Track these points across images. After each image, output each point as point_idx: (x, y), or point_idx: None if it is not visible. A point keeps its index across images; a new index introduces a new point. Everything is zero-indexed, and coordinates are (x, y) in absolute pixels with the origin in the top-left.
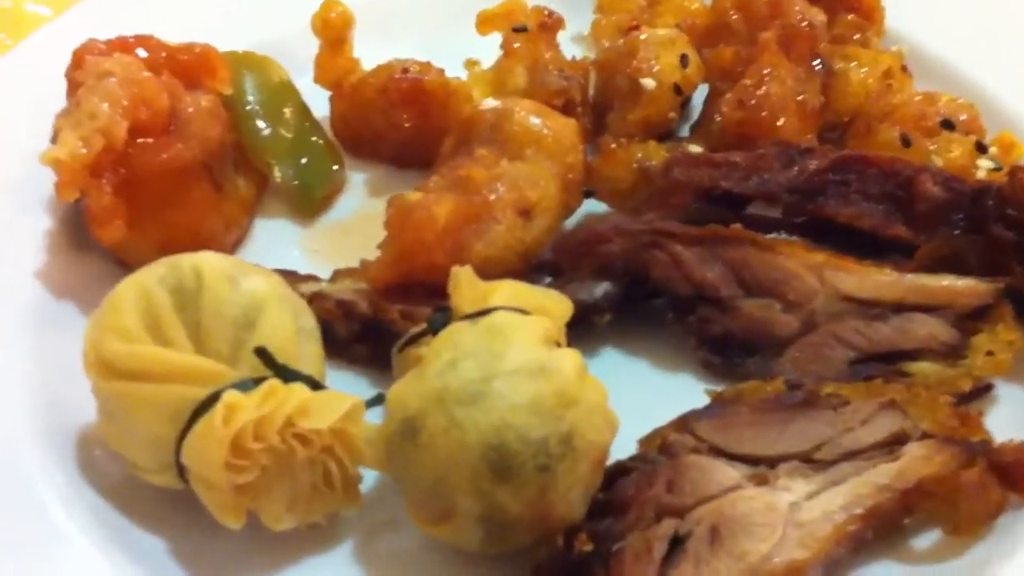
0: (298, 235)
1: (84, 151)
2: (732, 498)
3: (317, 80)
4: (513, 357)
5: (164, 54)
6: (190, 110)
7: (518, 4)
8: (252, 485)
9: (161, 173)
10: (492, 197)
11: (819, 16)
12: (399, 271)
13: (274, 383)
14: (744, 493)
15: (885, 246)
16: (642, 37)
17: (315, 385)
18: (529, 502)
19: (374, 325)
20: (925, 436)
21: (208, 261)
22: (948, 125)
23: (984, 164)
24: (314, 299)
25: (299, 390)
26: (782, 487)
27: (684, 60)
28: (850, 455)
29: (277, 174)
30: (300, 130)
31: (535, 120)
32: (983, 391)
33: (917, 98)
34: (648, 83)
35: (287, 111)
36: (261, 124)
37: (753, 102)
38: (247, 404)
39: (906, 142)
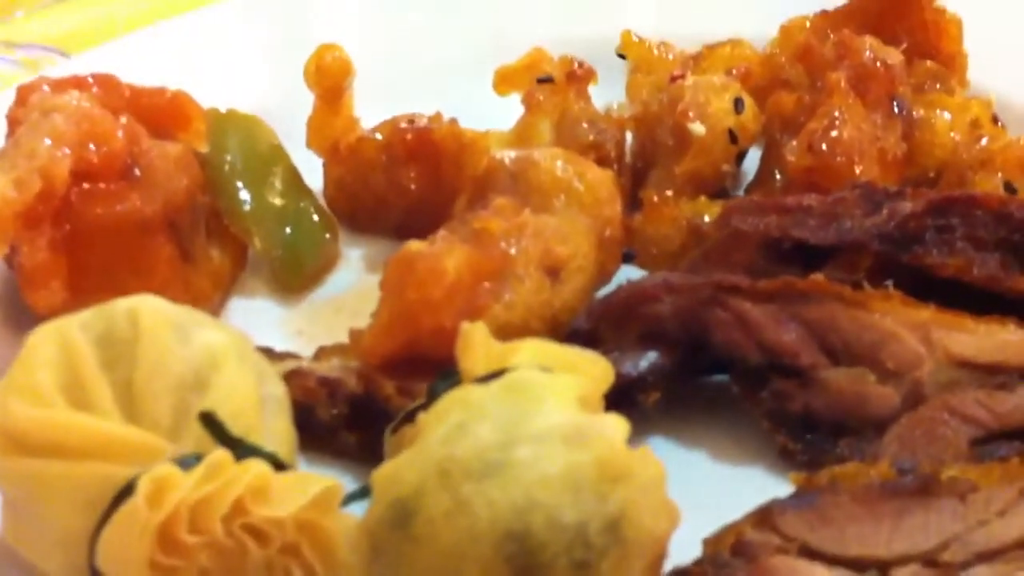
0: (280, 315)
1: (16, 195)
2: None
3: (311, 144)
4: (543, 419)
5: (127, 95)
6: (153, 157)
7: (542, 55)
8: None
9: (113, 228)
10: (513, 251)
11: (895, 56)
12: (398, 339)
13: (221, 456)
14: None
15: (1003, 303)
16: (688, 83)
17: (279, 466)
18: None
19: (364, 406)
20: None
21: (149, 305)
22: None
23: None
24: (291, 378)
25: (255, 467)
26: None
27: (739, 104)
28: (987, 556)
29: (257, 243)
30: (288, 197)
31: (564, 167)
32: None
33: (1021, 141)
34: (698, 128)
35: (274, 177)
36: (242, 188)
37: (825, 147)
38: (181, 481)
39: (1011, 190)
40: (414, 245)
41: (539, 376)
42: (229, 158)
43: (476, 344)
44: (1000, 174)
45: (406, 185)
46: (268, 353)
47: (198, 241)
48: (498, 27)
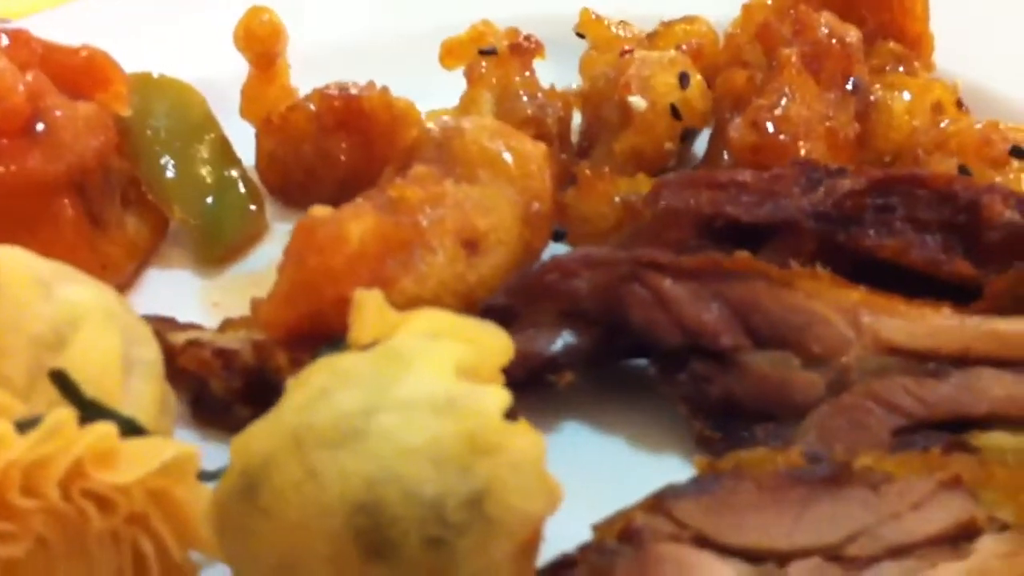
0: (198, 287)
1: None
2: None
3: (244, 113)
4: (411, 386)
5: (40, 51)
6: (60, 116)
7: (488, 27)
8: (22, 568)
9: (11, 187)
10: (426, 222)
11: (853, 33)
12: (298, 309)
13: (62, 416)
14: None
15: (942, 289)
16: (636, 56)
17: (136, 432)
18: None
19: (258, 379)
20: (1004, 528)
21: (9, 257)
22: (1019, 153)
23: None
24: (187, 349)
25: (99, 429)
26: None
27: (684, 80)
28: (897, 552)
29: (176, 212)
30: (213, 167)
31: (492, 138)
32: None
33: (977, 126)
34: (638, 103)
35: (201, 146)
36: (164, 155)
37: (770, 124)
38: (15, 442)
39: (964, 173)
40: (318, 210)
41: (417, 342)
42: (153, 123)
43: (368, 312)
44: (955, 158)
45: (336, 156)
46: (170, 323)
47: (110, 207)
48: (456, 4)
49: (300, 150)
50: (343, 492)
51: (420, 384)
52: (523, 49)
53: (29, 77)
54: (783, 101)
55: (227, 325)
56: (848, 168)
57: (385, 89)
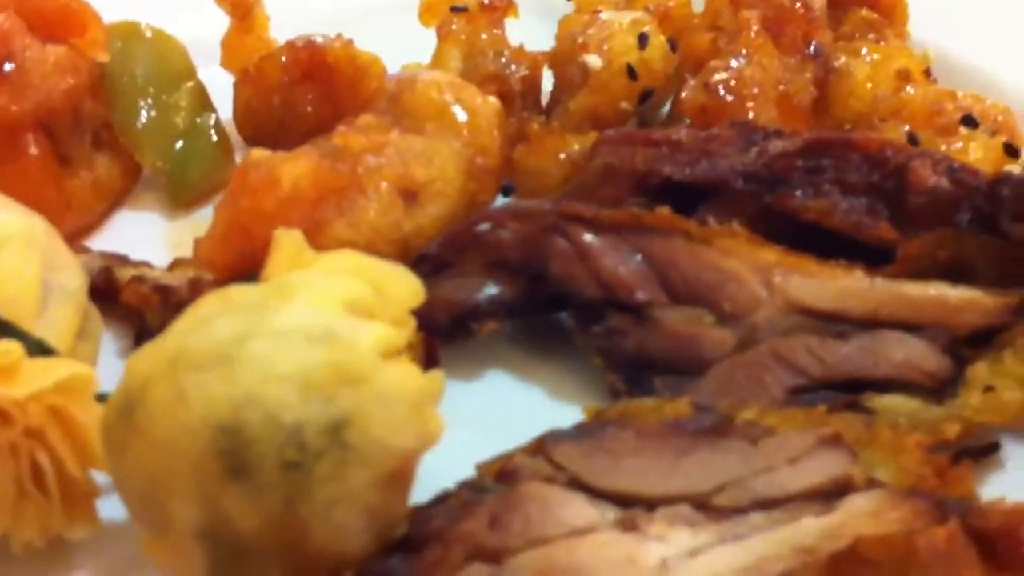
0: (165, 229)
1: None
2: (573, 544)
3: (224, 63)
4: (289, 316)
5: None
6: (29, 57)
7: None
8: None
9: None
10: (364, 170)
11: None
12: (232, 249)
13: None
14: (596, 538)
15: (870, 253)
16: (600, 17)
17: (46, 353)
18: (267, 515)
19: None
20: (877, 487)
21: None
22: (970, 122)
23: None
24: (130, 283)
25: (3, 347)
26: (656, 536)
27: (643, 40)
28: (765, 503)
29: (145, 156)
30: (186, 115)
31: (443, 91)
32: (985, 451)
33: (931, 93)
34: (594, 61)
35: (177, 94)
36: (141, 103)
37: (720, 86)
38: None
39: (913, 140)
40: (256, 153)
41: (305, 276)
42: (132, 70)
43: (284, 250)
44: (907, 125)
45: (303, 106)
46: (121, 260)
47: (79, 147)
48: None
49: (271, 100)
50: (207, 414)
51: (298, 314)
52: (493, 7)
53: (1, 18)
54: (735, 63)
55: (176, 264)
56: (785, 131)
57: (350, 42)
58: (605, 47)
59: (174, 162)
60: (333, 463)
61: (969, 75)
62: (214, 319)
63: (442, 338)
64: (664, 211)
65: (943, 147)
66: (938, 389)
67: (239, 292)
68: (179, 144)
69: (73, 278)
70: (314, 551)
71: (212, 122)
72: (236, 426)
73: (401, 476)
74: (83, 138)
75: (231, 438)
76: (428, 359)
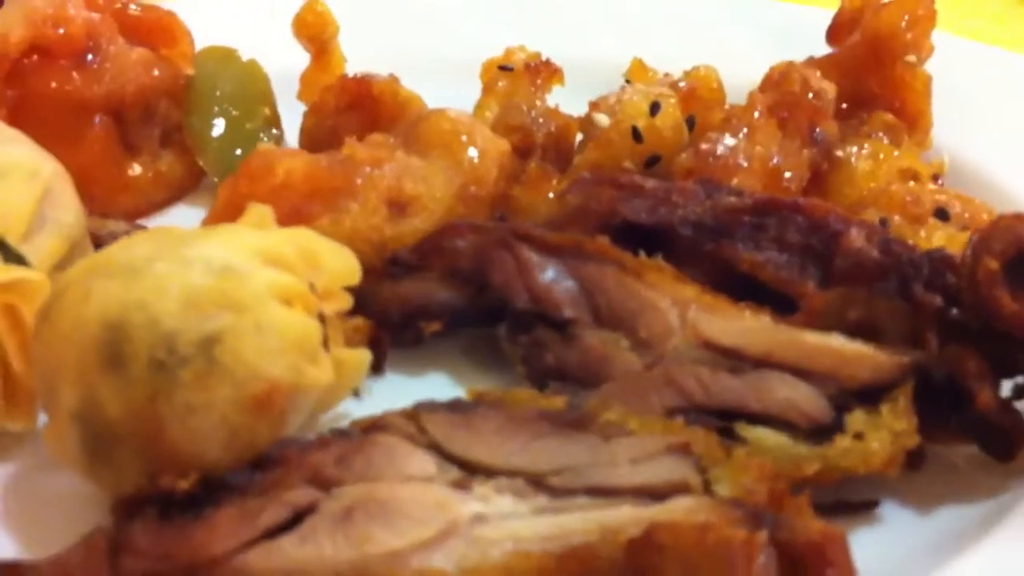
0: None
1: None
2: (398, 486)
3: (300, 96)
4: (199, 249)
5: (117, 3)
6: (113, 54)
7: (521, 50)
8: None
9: (54, 101)
10: (359, 177)
11: (829, 90)
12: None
13: None
14: (422, 487)
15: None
16: (627, 86)
17: (20, 264)
18: (132, 406)
19: None
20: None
21: None
22: (942, 215)
23: None
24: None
25: None
26: (479, 496)
27: (655, 107)
28: (595, 491)
29: (204, 159)
30: (252, 130)
31: (455, 125)
32: (861, 507)
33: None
34: (601, 119)
35: (250, 114)
36: (215, 116)
37: (710, 153)
38: None
39: (883, 223)
40: (263, 147)
41: (234, 226)
42: (214, 86)
43: (250, 218)
44: (883, 211)
45: (349, 133)
46: (141, 228)
47: (146, 139)
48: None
49: (325, 126)
50: (101, 312)
51: (207, 249)
52: (533, 68)
53: (95, 16)
54: (731, 135)
55: None
56: (745, 191)
57: (395, 78)
58: (616, 108)
59: (230, 168)
60: (197, 372)
61: (985, 187)
62: (141, 243)
63: (390, 331)
64: (603, 240)
65: (910, 234)
66: (814, 432)
67: (175, 229)
68: (238, 151)
69: (68, 215)
70: (168, 448)
71: (273, 140)
72: (120, 324)
73: (268, 405)
74: (152, 132)
75: (113, 333)
76: (373, 345)
